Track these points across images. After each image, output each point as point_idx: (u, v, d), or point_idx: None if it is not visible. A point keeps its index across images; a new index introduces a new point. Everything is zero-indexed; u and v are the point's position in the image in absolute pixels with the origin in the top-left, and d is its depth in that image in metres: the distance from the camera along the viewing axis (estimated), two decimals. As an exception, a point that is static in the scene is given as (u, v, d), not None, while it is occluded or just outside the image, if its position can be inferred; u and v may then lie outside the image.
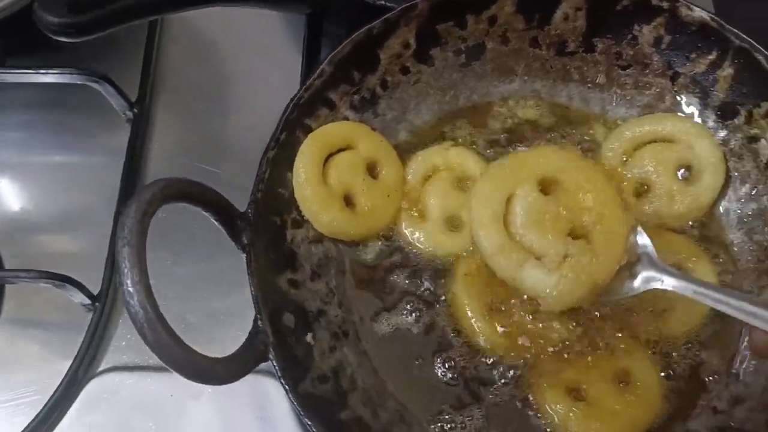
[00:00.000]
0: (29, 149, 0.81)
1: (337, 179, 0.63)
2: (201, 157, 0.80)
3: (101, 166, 0.80)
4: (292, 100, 0.61)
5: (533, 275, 0.56)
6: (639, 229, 0.58)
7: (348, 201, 0.64)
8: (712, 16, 0.63)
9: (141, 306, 0.44)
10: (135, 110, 0.80)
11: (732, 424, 0.57)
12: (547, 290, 0.55)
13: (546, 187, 0.59)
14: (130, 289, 0.44)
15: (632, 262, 0.57)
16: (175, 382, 0.69)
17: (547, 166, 0.59)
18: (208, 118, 0.82)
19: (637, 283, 0.57)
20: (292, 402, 0.52)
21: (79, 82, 0.76)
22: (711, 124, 0.66)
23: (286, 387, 0.52)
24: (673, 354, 0.60)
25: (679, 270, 0.57)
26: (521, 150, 0.68)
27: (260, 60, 0.86)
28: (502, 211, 0.58)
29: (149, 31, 0.84)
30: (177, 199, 0.51)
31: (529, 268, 0.56)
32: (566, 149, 0.66)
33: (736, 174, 0.65)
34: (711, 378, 0.60)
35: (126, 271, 0.44)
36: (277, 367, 0.53)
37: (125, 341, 0.70)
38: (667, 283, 0.55)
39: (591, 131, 0.69)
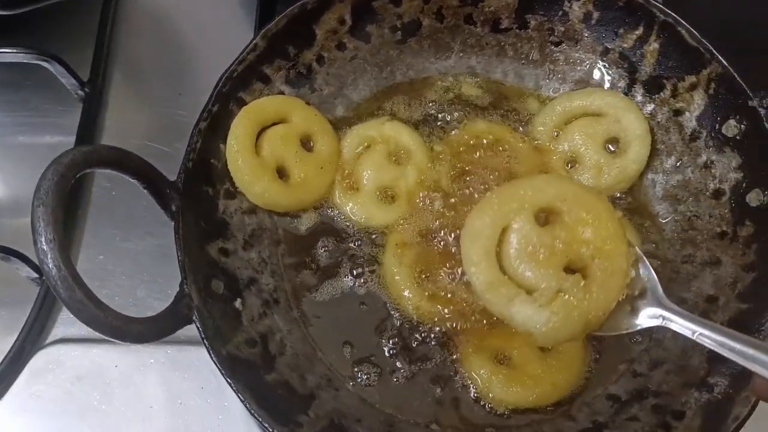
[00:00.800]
0: (-17, 129, 0.82)
1: (269, 151, 0.64)
2: (154, 136, 0.81)
3: (54, 145, 0.81)
4: (224, 73, 0.63)
5: (523, 311, 0.52)
6: (644, 261, 0.55)
7: (282, 173, 0.65)
8: (638, -9, 0.64)
9: (54, 264, 0.45)
10: (87, 90, 0.80)
11: (650, 386, 0.59)
12: (537, 327, 0.52)
13: (544, 216, 0.55)
14: (44, 247, 0.45)
15: (634, 295, 0.54)
16: (120, 354, 0.70)
17: (544, 196, 0.54)
18: (162, 97, 0.83)
19: (638, 319, 0.53)
20: (215, 362, 0.53)
21: (29, 62, 0.76)
22: (639, 98, 0.68)
23: (209, 348, 0.54)
24: (597, 320, 0.62)
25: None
26: (460, 123, 0.70)
27: (214, 37, 0.86)
28: (493, 245, 0.54)
29: (102, 10, 0.85)
30: (101, 165, 0.53)
31: (519, 303, 0.52)
32: (567, 178, 0.63)
33: (662, 146, 0.67)
34: (632, 341, 0.61)
35: (40, 229, 0.45)
36: (200, 329, 0.54)
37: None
38: (672, 322, 0.51)
39: (526, 106, 0.71)
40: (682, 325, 0.50)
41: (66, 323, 0.72)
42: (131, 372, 0.69)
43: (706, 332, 0.49)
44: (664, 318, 0.52)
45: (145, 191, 0.57)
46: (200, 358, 0.69)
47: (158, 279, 0.73)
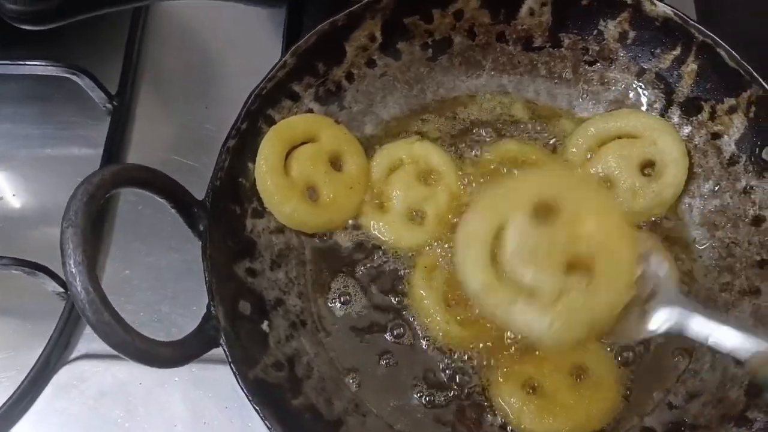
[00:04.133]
0: (12, 141, 0.82)
1: (299, 171, 0.63)
2: (181, 150, 0.80)
3: (82, 157, 0.81)
4: (254, 90, 0.62)
5: (524, 315, 0.49)
6: (657, 256, 0.51)
7: (311, 193, 0.65)
8: (676, 11, 0.63)
9: (83, 287, 0.45)
10: (115, 103, 0.81)
11: (686, 419, 0.57)
12: (540, 331, 0.49)
13: (542, 213, 0.52)
14: (73, 270, 0.45)
15: (644, 296, 0.50)
16: (144, 371, 0.68)
17: (541, 192, 0.51)
18: (189, 111, 0.83)
19: (651, 324, 0.50)
20: (241, 387, 0.53)
21: (58, 75, 0.77)
22: (676, 120, 0.66)
23: (236, 372, 0.53)
24: (631, 349, 0.60)
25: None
26: (491, 143, 0.68)
27: (242, 53, 0.86)
28: (487, 247, 0.51)
29: (132, 24, 0.85)
30: (130, 185, 0.52)
31: (520, 307, 0.49)
32: (564, 172, 0.62)
33: (699, 170, 0.65)
34: (668, 374, 0.60)
35: (69, 251, 0.45)
36: (227, 353, 0.53)
37: (97, 330, 0.71)
38: (687, 327, 0.47)
39: (558, 127, 0.69)
40: (698, 331, 0.46)
41: (90, 339, 0.71)
42: (155, 389, 0.69)
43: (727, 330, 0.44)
44: (677, 322, 0.47)
45: (173, 210, 0.57)
46: (224, 377, 0.67)
47: (182, 294, 0.73)
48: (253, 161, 0.62)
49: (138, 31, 0.86)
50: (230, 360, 0.53)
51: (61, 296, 0.71)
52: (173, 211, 0.57)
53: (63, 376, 0.69)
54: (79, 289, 0.45)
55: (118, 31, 0.85)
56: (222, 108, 0.83)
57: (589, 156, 0.67)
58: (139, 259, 0.74)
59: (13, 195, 0.79)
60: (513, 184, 0.54)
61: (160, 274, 0.73)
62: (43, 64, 0.76)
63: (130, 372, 0.69)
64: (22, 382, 0.67)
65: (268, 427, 0.52)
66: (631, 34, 0.66)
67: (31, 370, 0.68)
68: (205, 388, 0.68)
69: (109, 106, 0.81)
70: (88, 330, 0.71)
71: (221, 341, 0.53)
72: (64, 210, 0.76)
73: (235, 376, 0.53)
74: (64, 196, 0.77)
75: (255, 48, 0.87)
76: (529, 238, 0.50)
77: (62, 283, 0.70)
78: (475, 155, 0.68)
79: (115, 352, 0.69)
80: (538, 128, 0.69)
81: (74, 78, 0.77)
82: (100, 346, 0.69)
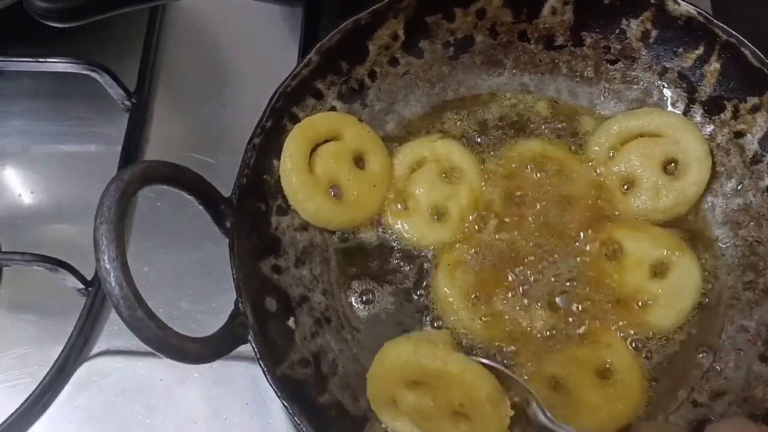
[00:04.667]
0: (29, 137, 0.82)
1: (323, 169, 0.63)
2: (198, 147, 0.80)
3: (99, 154, 0.81)
4: (278, 88, 0.62)
5: None
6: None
7: (334, 191, 0.64)
8: (699, 10, 0.63)
9: (117, 282, 0.45)
10: (133, 100, 0.81)
11: (711, 417, 0.57)
12: None
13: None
14: (107, 266, 0.45)
15: None
16: (164, 367, 0.70)
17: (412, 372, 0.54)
18: (206, 109, 0.83)
19: None
20: (270, 384, 0.53)
21: (78, 71, 0.77)
22: (698, 118, 0.66)
23: (265, 369, 0.53)
24: (655, 348, 0.61)
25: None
26: (513, 142, 0.69)
27: (258, 51, 0.86)
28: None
29: (149, 21, 0.85)
30: (159, 182, 0.52)
31: None
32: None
33: (722, 169, 0.65)
34: (692, 372, 0.60)
35: (103, 247, 0.45)
36: (255, 349, 0.53)
37: (117, 326, 0.71)
38: None
39: (580, 125, 0.69)
40: None
41: (111, 335, 0.72)
42: (175, 386, 0.69)
43: None
44: None
45: (200, 207, 0.57)
46: (245, 374, 0.68)
47: (201, 292, 0.73)
48: (278, 158, 0.62)
49: (155, 29, 0.86)
50: (258, 357, 0.53)
51: (82, 292, 0.71)
52: (200, 207, 0.57)
53: (83, 372, 0.70)
54: (113, 285, 0.45)
55: (134, 28, 0.86)
56: (239, 105, 0.83)
57: (611, 154, 0.67)
58: (158, 256, 0.74)
59: (31, 192, 0.79)
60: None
61: (180, 270, 0.74)
62: (64, 60, 0.76)
63: (150, 368, 0.69)
64: (43, 379, 0.68)
65: (296, 424, 0.52)
66: (654, 33, 0.66)
67: (52, 366, 0.68)
68: (225, 385, 0.68)
69: (127, 103, 0.81)
70: (108, 326, 0.72)
71: (249, 338, 0.53)
72: (80, 207, 0.77)
73: (264, 373, 0.53)
74: (81, 193, 0.79)
75: (271, 46, 0.87)
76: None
77: (83, 280, 0.70)
78: (497, 154, 0.68)
79: (135, 349, 0.70)
80: (559, 127, 0.69)
81: (94, 75, 0.77)
82: (121, 342, 0.71)
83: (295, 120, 0.64)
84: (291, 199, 0.62)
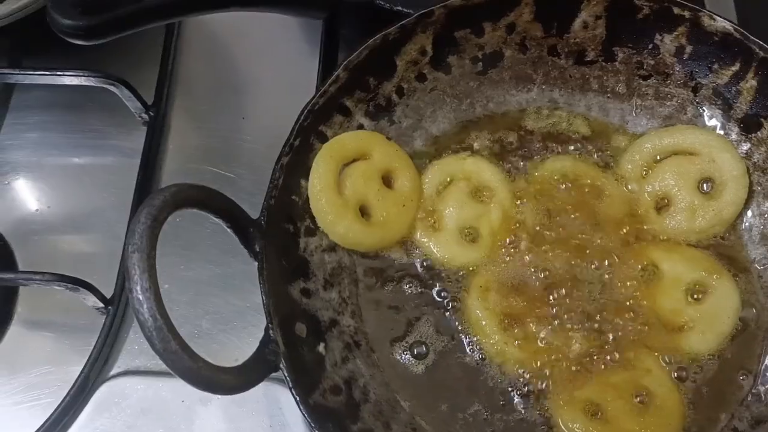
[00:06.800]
0: (46, 150, 0.81)
1: (351, 189, 0.62)
2: (215, 161, 0.79)
3: (116, 168, 0.79)
4: (306, 106, 0.61)
5: None
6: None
7: (363, 211, 0.63)
8: (735, 26, 0.62)
9: (150, 314, 0.44)
10: (151, 113, 0.79)
11: (753, 445, 0.56)
12: None
13: None
14: (140, 297, 0.43)
15: None
16: (186, 388, 0.66)
17: None
18: (224, 122, 0.82)
19: None
20: (303, 414, 0.51)
21: (95, 85, 0.75)
22: (734, 136, 0.65)
23: (297, 398, 0.52)
24: (693, 373, 0.59)
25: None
26: (543, 159, 0.68)
27: (277, 64, 0.85)
28: None
29: (166, 34, 0.84)
30: (189, 206, 0.51)
31: None
32: None
33: (759, 188, 0.64)
34: (732, 398, 0.59)
35: (135, 277, 0.44)
36: (288, 378, 0.52)
37: (137, 345, 0.70)
38: None
39: (612, 142, 0.68)
40: None
41: (131, 354, 0.70)
42: (197, 407, 0.67)
43: None
44: None
45: (229, 230, 0.56)
46: (268, 395, 0.67)
47: (221, 310, 0.72)
48: (305, 178, 0.61)
49: (173, 41, 0.85)
50: (291, 386, 0.52)
51: (101, 311, 0.70)
52: (228, 230, 0.56)
53: (104, 392, 0.68)
54: (146, 317, 0.43)
55: (151, 41, 0.84)
56: (256, 119, 0.82)
57: (644, 173, 0.65)
58: (178, 273, 0.73)
59: (48, 207, 0.78)
60: None
61: (199, 288, 0.72)
62: (81, 74, 0.75)
63: (172, 389, 0.68)
64: (63, 400, 0.66)
65: (333, 455, 0.51)
66: (688, 49, 0.65)
67: (72, 387, 0.67)
68: (247, 407, 0.67)
69: (144, 116, 0.79)
70: (128, 345, 0.71)
71: (281, 366, 0.52)
72: (97, 221, 0.76)
73: (297, 403, 0.52)
74: (98, 207, 0.78)
75: (290, 57, 0.86)
76: None
77: (102, 298, 0.69)
78: (527, 171, 0.67)
79: (156, 369, 0.69)
80: (590, 144, 0.68)
81: (111, 88, 0.76)
82: (141, 362, 0.70)
83: (323, 138, 0.63)
84: (320, 221, 0.61)
